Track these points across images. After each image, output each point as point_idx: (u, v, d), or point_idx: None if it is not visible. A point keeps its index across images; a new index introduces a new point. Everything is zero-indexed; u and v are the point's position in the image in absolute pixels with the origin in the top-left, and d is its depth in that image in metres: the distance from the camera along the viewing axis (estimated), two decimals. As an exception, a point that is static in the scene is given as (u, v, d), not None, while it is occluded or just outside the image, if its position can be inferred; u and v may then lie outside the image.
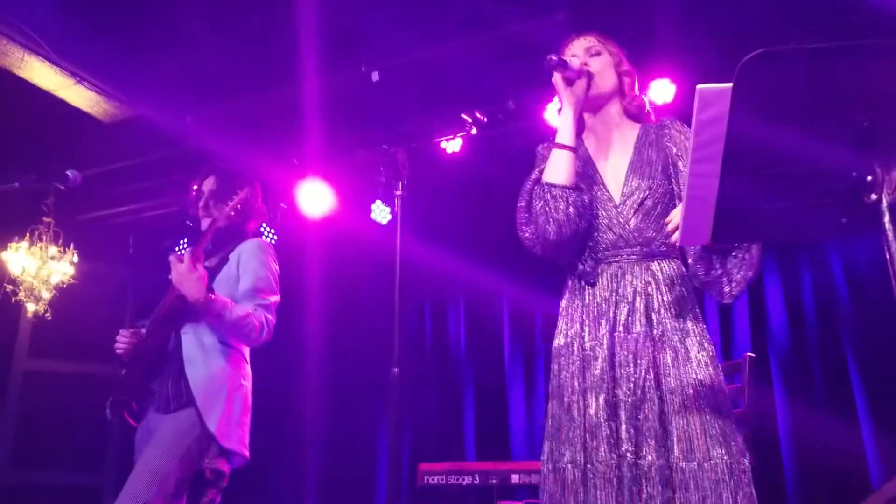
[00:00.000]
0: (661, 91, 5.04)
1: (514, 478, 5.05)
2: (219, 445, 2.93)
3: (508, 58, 5.10)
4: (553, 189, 2.25)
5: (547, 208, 2.24)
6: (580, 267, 2.31)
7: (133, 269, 7.27)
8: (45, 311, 6.19)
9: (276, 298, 3.23)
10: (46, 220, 6.23)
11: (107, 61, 5.45)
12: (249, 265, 3.19)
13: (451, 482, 5.09)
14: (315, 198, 6.33)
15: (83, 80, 5.51)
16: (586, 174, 2.37)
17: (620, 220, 2.29)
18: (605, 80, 2.42)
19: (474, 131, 2.20)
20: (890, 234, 1.45)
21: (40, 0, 4.80)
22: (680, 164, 2.30)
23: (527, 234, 2.32)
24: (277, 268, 3.31)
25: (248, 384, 3.18)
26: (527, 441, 6.39)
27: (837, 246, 5.46)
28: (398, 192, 2.44)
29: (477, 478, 5.08)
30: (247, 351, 3.24)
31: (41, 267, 6.15)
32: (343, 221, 6.57)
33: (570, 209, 2.22)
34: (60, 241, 6.34)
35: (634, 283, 2.23)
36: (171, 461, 2.81)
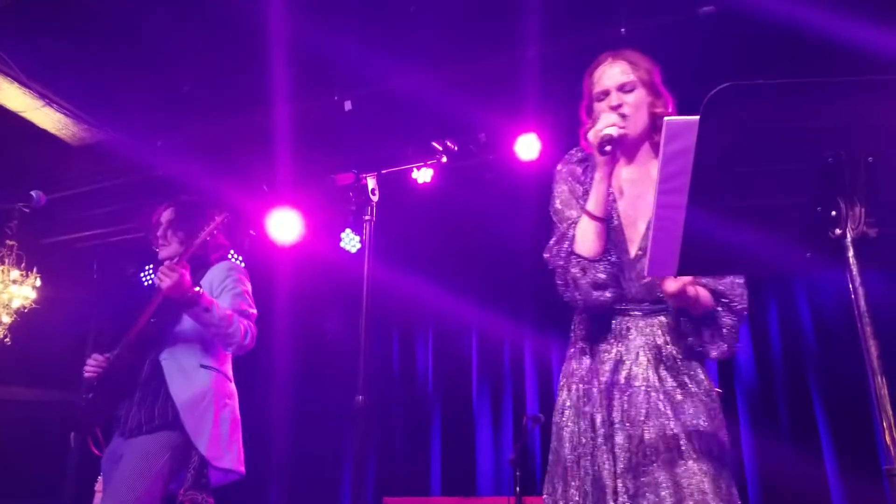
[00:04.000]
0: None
1: (480, 513, 5.00)
2: (208, 467, 2.99)
3: (481, 90, 5.14)
4: (582, 260, 2.20)
5: (584, 280, 2.19)
6: (590, 316, 2.28)
7: (97, 294, 7.16)
8: (5, 336, 6.06)
9: (254, 311, 3.35)
10: (10, 242, 6.13)
11: (77, 84, 5.41)
12: (224, 285, 3.31)
13: (416, 516, 5.04)
14: (285, 225, 6.30)
15: (52, 103, 5.46)
16: (608, 221, 2.26)
17: (633, 274, 2.22)
18: (637, 122, 2.25)
19: (444, 159, 2.19)
20: (854, 269, 1.46)
21: (10, 22, 4.76)
22: None
23: (567, 296, 2.26)
24: (249, 284, 3.43)
25: (233, 402, 3.26)
26: (493, 476, 6.33)
27: (803, 283, 5.53)
28: (367, 217, 2.42)
29: (442, 512, 5.03)
30: (229, 369, 3.32)
31: (2, 291, 6.04)
32: (313, 249, 6.54)
33: (600, 278, 2.18)
34: (23, 264, 6.24)
35: (640, 337, 2.20)
36: (142, 483, 2.85)
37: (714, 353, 2.16)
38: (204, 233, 3.17)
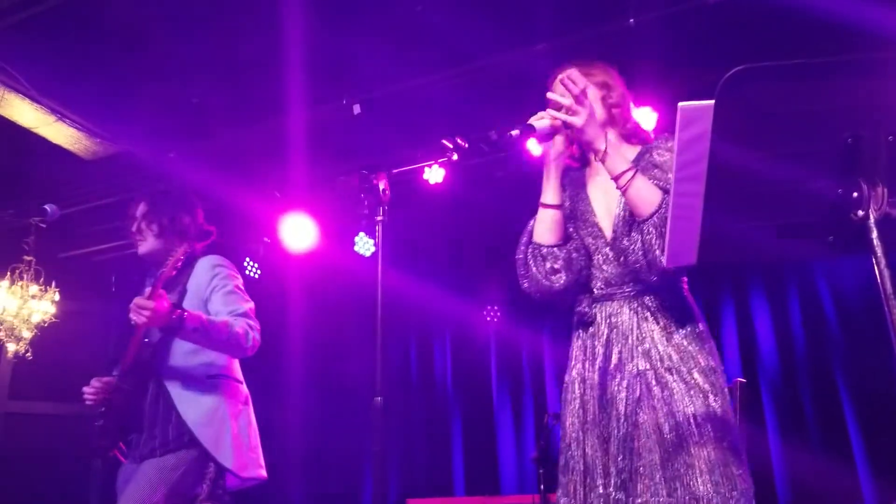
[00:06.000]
0: (643, 120, 5.08)
1: (505, 511, 4.98)
2: (228, 478, 2.93)
3: (490, 89, 5.11)
4: (541, 248, 2.33)
5: (535, 268, 2.32)
6: (579, 307, 2.34)
7: (115, 307, 7.18)
8: (26, 351, 6.09)
9: (250, 305, 3.13)
10: (27, 258, 6.17)
11: (88, 98, 5.41)
12: (213, 285, 3.11)
13: (441, 518, 5.02)
14: (298, 232, 6.30)
15: (64, 118, 5.47)
16: (580, 210, 2.39)
17: (613, 256, 2.28)
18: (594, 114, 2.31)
19: (455, 157, 2.19)
20: (879, 251, 1.43)
21: (20, 38, 4.77)
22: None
23: (525, 286, 2.37)
24: (239, 277, 3.22)
25: (248, 406, 3.14)
26: (517, 475, 6.31)
27: (823, 269, 5.47)
28: (380, 218, 2.41)
29: (467, 512, 5.01)
30: (237, 370, 3.17)
31: (22, 306, 6.07)
32: (326, 255, 6.53)
33: (557, 265, 2.30)
34: (42, 279, 6.27)
35: (629, 320, 2.22)
36: (159, 492, 2.78)
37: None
38: (171, 259, 2.94)
